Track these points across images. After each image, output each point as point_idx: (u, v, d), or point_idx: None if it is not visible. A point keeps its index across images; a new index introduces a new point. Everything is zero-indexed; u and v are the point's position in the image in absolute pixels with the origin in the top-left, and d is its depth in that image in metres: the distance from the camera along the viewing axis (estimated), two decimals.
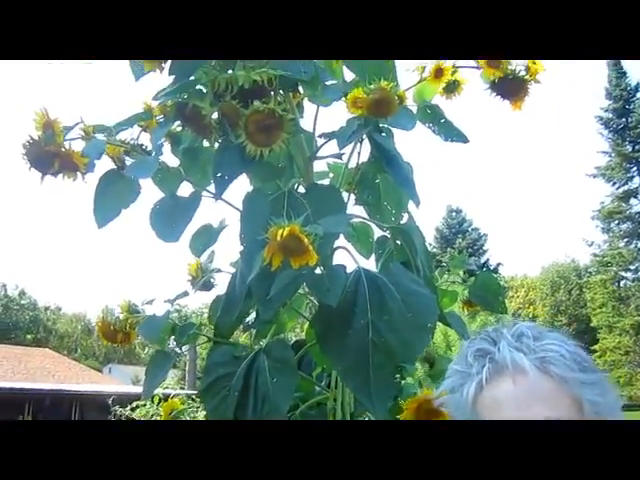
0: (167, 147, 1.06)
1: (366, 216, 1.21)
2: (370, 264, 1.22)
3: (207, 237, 1.03)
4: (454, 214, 24.03)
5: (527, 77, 1.10)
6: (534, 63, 1.10)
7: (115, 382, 14.83)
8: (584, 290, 20.30)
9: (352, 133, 0.92)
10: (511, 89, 1.11)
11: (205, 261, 1.20)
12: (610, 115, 18.85)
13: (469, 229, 23.72)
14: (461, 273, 1.33)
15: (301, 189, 1.03)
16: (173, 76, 0.93)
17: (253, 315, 1.08)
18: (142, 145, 1.04)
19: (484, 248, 23.76)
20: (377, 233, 1.25)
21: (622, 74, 18.91)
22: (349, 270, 0.95)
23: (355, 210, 1.19)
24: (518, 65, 1.10)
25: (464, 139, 1.17)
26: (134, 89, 1.01)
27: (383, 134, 0.99)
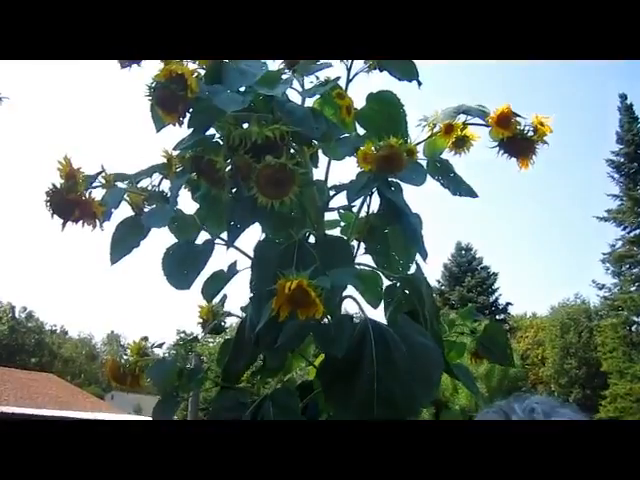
0: (186, 193, 1.09)
1: (375, 265, 1.23)
2: (379, 312, 1.24)
3: (219, 283, 1.06)
4: (463, 252, 23.94)
5: (535, 137, 1.13)
6: (542, 125, 1.13)
7: (117, 410, 14.67)
8: (594, 333, 19.99)
9: (361, 188, 0.95)
10: (519, 148, 1.14)
11: (216, 304, 1.22)
12: (622, 159, 18.91)
13: (478, 267, 23.57)
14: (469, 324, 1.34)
15: (312, 238, 1.06)
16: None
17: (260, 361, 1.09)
18: (162, 192, 1.08)
19: (493, 287, 23.55)
20: (386, 282, 1.27)
21: (634, 119, 19.04)
22: (357, 318, 0.97)
23: (364, 259, 1.22)
24: (526, 126, 1.13)
25: (473, 194, 1.19)
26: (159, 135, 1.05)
27: (392, 188, 1.02)
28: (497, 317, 23.15)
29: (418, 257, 1.24)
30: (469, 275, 23.04)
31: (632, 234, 18.68)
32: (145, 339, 1.16)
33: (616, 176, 19.15)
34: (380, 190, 0.97)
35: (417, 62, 1.12)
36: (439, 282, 23.62)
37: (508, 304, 23.76)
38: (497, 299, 23.49)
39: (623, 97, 19.43)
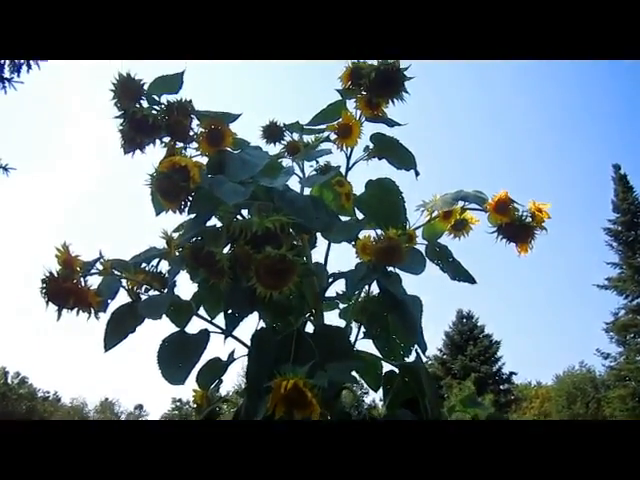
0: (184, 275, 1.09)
1: (375, 348, 1.21)
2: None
3: (215, 372, 1.03)
4: (464, 320, 23.69)
5: (533, 224, 1.14)
6: (540, 211, 1.14)
7: None
8: (602, 404, 19.46)
9: (360, 279, 0.94)
10: (518, 234, 1.14)
11: (212, 389, 1.19)
12: (619, 228, 19.11)
13: (480, 336, 23.24)
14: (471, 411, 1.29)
15: (310, 326, 1.05)
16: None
17: None
18: (161, 273, 1.07)
19: (496, 356, 23.12)
20: (386, 366, 1.24)
21: (629, 188, 19.41)
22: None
23: (364, 342, 1.20)
24: (524, 212, 1.14)
25: (471, 280, 1.19)
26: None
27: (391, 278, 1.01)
28: (501, 387, 22.60)
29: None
30: (471, 344, 22.69)
31: (634, 302, 18.57)
32: (140, 407, 1.12)
33: (615, 244, 19.28)
34: (379, 281, 0.96)
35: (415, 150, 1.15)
36: (441, 351, 23.26)
37: (512, 373, 23.27)
38: (500, 368, 23.01)
39: (616, 167, 19.89)
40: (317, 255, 1.14)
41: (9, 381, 29.53)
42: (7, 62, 7.62)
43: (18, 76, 7.71)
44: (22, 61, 7.67)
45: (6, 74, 7.65)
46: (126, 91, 0.93)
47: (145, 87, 0.96)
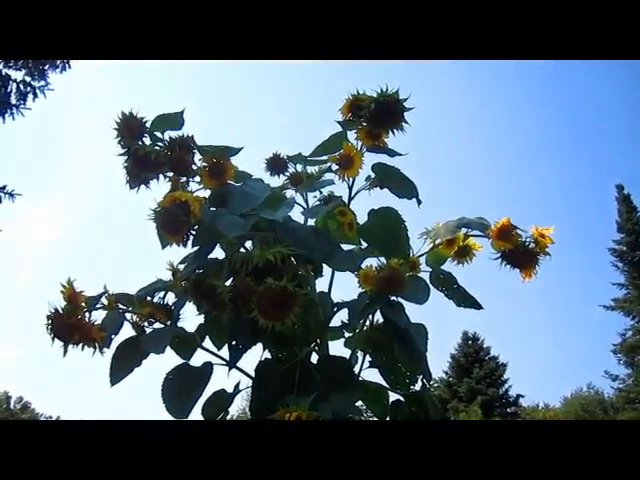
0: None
1: (381, 376, 1.20)
2: None
3: (220, 404, 1.02)
4: (470, 342, 23.48)
5: (537, 249, 1.14)
6: (543, 237, 1.14)
7: None
8: None
9: (363, 309, 0.94)
10: (521, 260, 1.14)
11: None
12: (624, 248, 19.05)
13: (486, 358, 23.00)
14: None
15: (314, 356, 1.04)
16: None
17: None
18: (167, 305, 1.07)
19: (503, 378, 22.84)
20: (392, 396, 1.23)
21: (632, 208, 19.40)
22: None
23: (370, 371, 1.19)
24: (527, 238, 1.14)
25: (477, 306, 1.18)
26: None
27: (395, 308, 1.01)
28: (508, 410, 22.28)
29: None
30: (477, 366, 22.44)
31: None
32: None
33: (620, 265, 19.19)
34: (382, 311, 0.96)
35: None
36: (447, 374, 22.99)
37: (519, 396, 22.95)
38: (507, 391, 22.70)
39: (620, 188, 19.91)
40: (322, 284, 1.14)
41: (11, 406, 29.29)
42: (14, 89, 7.74)
43: (24, 103, 7.83)
44: (29, 89, 7.80)
45: (13, 100, 7.78)
46: (129, 129, 0.95)
47: (147, 125, 0.98)
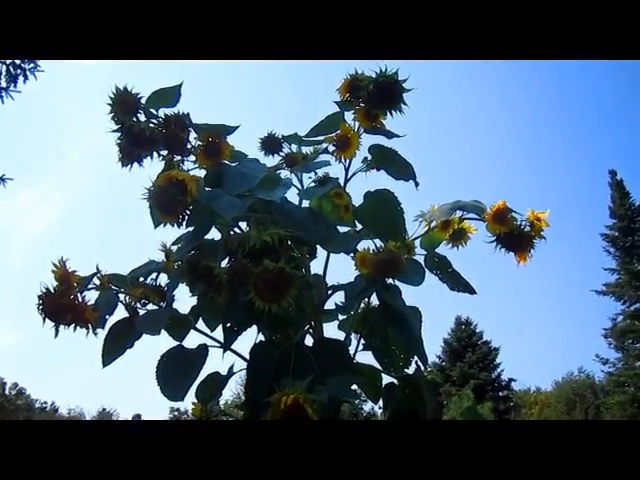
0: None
1: (375, 359, 1.20)
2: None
3: (214, 386, 1.02)
4: (463, 326, 23.64)
5: (532, 233, 1.13)
6: (538, 220, 1.13)
7: None
8: (602, 410, 19.41)
9: (360, 292, 0.93)
10: (516, 243, 1.14)
11: (211, 403, 1.18)
12: (616, 233, 19.15)
13: (479, 342, 23.18)
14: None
15: (309, 339, 1.04)
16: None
17: None
18: (160, 286, 1.07)
19: (495, 362, 23.06)
20: (386, 378, 1.24)
21: (625, 194, 19.46)
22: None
23: (364, 353, 1.19)
24: (523, 221, 1.14)
25: (471, 291, 1.18)
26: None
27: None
28: (500, 393, 22.54)
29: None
30: (470, 350, 22.64)
31: (632, 308, 18.58)
32: (138, 417, 1.11)
33: (612, 250, 19.32)
34: (378, 293, 0.96)
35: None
36: (439, 358, 23.20)
37: (511, 380, 23.20)
38: (499, 375, 22.94)
39: (613, 173, 19.96)
40: (316, 266, 1.14)
41: (6, 392, 29.36)
42: (4, 72, 7.62)
43: (15, 86, 7.72)
44: (19, 71, 7.68)
45: (2, 84, 7.66)
46: (123, 105, 0.93)
47: (142, 100, 0.96)
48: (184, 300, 1.06)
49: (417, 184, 1.10)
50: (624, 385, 18.19)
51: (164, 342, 1.04)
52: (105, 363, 0.98)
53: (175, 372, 0.91)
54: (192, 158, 1.03)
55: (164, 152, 1.02)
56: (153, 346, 1.04)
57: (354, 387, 1.10)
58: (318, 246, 1.15)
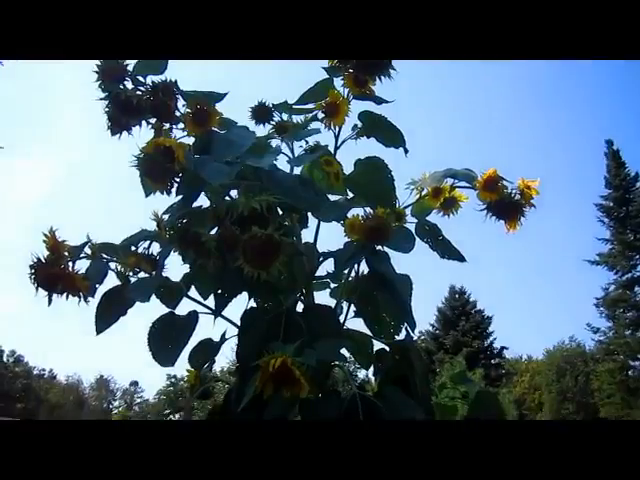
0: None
1: (365, 327, 1.22)
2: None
3: (207, 352, 1.04)
4: (457, 295, 23.88)
5: (522, 201, 1.14)
6: (529, 188, 1.14)
7: None
8: (591, 378, 19.80)
9: (349, 258, 0.94)
10: (507, 211, 1.15)
11: (204, 369, 1.20)
12: (611, 204, 19.20)
13: (472, 311, 23.46)
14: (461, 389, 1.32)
15: (300, 306, 1.05)
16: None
17: None
18: (152, 255, 1.07)
19: (488, 331, 23.39)
20: (376, 344, 1.25)
21: (621, 164, 19.43)
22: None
23: (355, 321, 1.21)
24: (513, 189, 1.14)
25: (461, 259, 1.19)
26: None
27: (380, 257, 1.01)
28: (492, 361, 22.92)
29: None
30: (463, 319, 22.92)
31: (624, 278, 18.77)
32: (135, 384, 1.13)
33: (606, 220, 19.40)
34: (368, 260, 0.97)
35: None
36: (433, 326, 23.50)
37: (503, 348, 23.58)
38: (492, 343, 23.30)
39: (609, 143, 19.88)
40: (308, 236, 1.14)
41: (4, 359, 29.61)
42: None
43: None
44: None
45: None
46: (110, 73, 0.92)
47: (129, 68, 0.94)
48: (176, 269, 1.07)
49: (407, 151, 1.10)
50: (614, 353, 18.51)
51: (159, 309, 1.06)
52: (98, 331, 0.99)
53: (166, 338, 0.93)
54: (181, 126, 1.02)
55: (153, 120, 1.01)
56: (151, 314, 1.05)
57: (346, 354, 1.12)
58: (309, 215, 1.16)
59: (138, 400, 32.08)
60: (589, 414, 19.69)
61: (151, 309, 1.02)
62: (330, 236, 1.16)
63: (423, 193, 1.25)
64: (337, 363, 1.01)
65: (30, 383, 30.05)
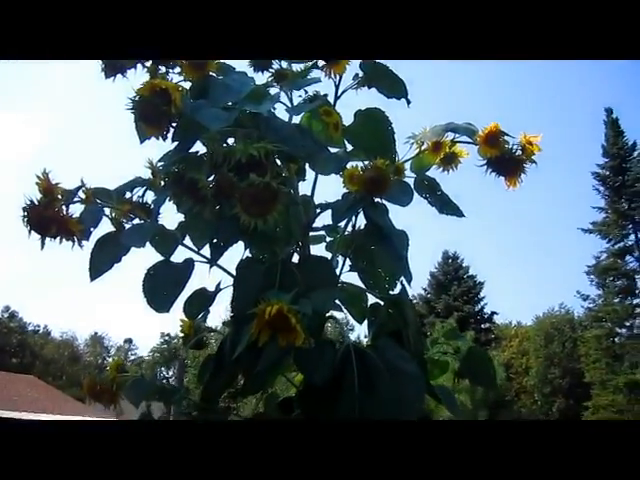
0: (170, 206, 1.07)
1: (360, 281, 1.22)
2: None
3: (202, 302, 1.03)
4: (450, 260, 24.03)
5: (523, 157, 1.12)
6: (530, 144, 1.12)
7: (98, 414, 14.50)
8: (578, 344, 20.16)
9: (347, 209, 0.93)
10: (507, 167, 1.14)
11: (198, 319, 1.20)
12: (607, 172, 19.15)
13: (464, 276, 23.66)
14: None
15: (296, 257, 1.04)
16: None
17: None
18: (146, 204, 1.06)
19: (479, 296, 23.64)
20: (371, 299, 1.26)
21: (619, 133, 19.29)
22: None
23: (350, 275, 1.20)
24: (514, 145, 1.13)
25: (459, 214, 1.18)
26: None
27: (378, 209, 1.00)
28: (482, 326, 23.25)
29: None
30: (455, 284, 23.12)
31: (616, 247, 18.90)
32: (129, 341, 1.14)
33: (601, 189, 19.39)
34: (366, 211, 0.96)
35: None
36: (425, 290, 23.70)
37: (493, 313, 23.89)
38: (483, 308, 23.59)
39: (609, 111, 19.69)
40: (304, 188, 1.13)
41: None
42: None
43: None
44: None
45: None
46: None
47: None
48: (171, 218, 1.06)
49: (409, 102, 1.08)
50: (602, 320, 18.80)
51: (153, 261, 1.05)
52: (93, 277, 0.98)
53: (161, 285, 0.92)
54: (177, 70, 0.99)
55: (148, 63, 0.98)
56: (143, 268, 1.04)
57: (339, 303, 1.12)
58: (307, 167, 1.14)
59: (132, 357, 32.53)
60: (574, 378, 20.15)
61: (146, 262, 1.01)
62: (327, 191, 1.15)
63: (423, 147, 1.23)
64: (331, 315, 1.02)
65: (25, 339, 30.35)
